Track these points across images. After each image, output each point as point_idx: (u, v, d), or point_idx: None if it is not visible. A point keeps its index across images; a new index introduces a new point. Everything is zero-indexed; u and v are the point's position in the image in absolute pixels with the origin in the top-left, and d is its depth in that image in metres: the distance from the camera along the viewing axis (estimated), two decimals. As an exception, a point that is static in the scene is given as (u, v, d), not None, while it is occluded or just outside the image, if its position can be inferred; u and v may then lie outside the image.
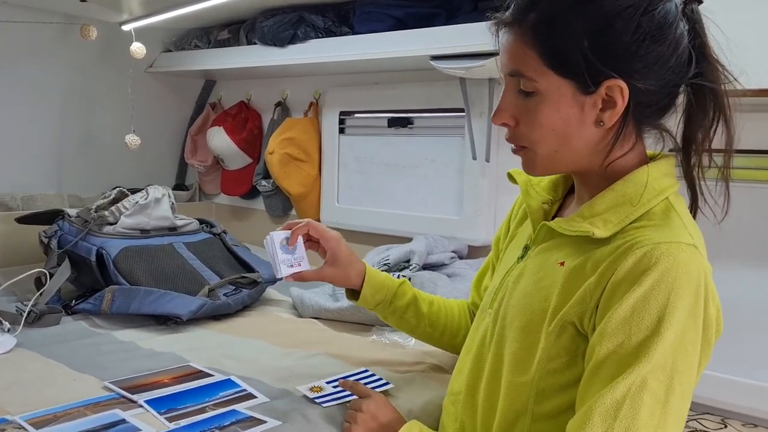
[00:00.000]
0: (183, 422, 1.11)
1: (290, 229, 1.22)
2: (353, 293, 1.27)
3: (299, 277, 1.21)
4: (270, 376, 1.32)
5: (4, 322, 1.61)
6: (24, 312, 1.63)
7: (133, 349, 1.49)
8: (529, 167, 0.99)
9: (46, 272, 1.74)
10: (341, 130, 2.27)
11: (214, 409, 1.16)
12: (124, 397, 1.21)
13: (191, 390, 1.24)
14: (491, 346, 1.01)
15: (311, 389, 1.22)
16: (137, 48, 2.06)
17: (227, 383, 1.27)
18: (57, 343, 1.52)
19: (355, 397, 1.17)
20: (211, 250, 1.90)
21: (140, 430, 1.07)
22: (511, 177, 1.12)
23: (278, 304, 1.86)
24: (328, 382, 1.24)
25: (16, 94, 2.36)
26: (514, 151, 0.99)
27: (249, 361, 1.41)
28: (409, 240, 1.95)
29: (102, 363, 1.39)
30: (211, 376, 1.31)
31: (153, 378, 1.30)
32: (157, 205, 1.89)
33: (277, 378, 1.31)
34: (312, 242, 1.25)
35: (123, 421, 1.10)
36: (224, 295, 1.74)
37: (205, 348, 1.50)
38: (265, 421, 1.09)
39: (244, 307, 1.80)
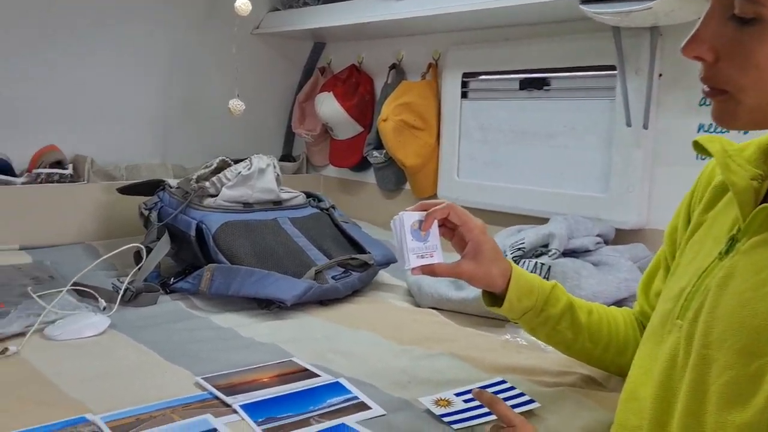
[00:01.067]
0: (283, 437, 0.92)
1: (425, 211, 0.99)
2: (492, 298, 1.03)
3: (429, 271, 0.98)
4: (385, 379, 1.11)
5: (100, 299, 1.49)
6: (120, 290, 1.50)
7: (232, 338, 1.32)
8: (725, 118, 0.72)
9: (143, 247, 1.61)
10: (464, 95, 2.01)
11: (320, 422, 0.96)
12: (217, 398, 1.03)
13: (294, 395, 1.05)
14: (686, 371, 0.74)
15: (436, 402, 1.00)
16: (242, 4, 1.89)
17: (335, 387, 1.07)
18: (151, 326, 1.37)
19: (492, 417, 0.94)
20: (318, 227, 1.71)
21: (231, 445, 0.88)
22: (698, 146, 0.84)
23: (391, 290, 1.65)
24: (457, 395, 1.02)
25: (120, 57, 2.26)
26: (707, 94, 0.72)
27: (360, 358, 1.21)
28: (541, 221, 1.68)
29: (196, 352, 1.23)
30: (317, 376, 1.12)
31: (251, 376, 1.12)
32: (260, 177, 1.72)
33: (393, 383, 1.10)
34: (447, 229, 1.01)
35: (214, 431, 0.92)
36: (332, 278, 1.55)
37: (310, 339, 1.31)
38: (377, 443, 0.88)
39: (353, 292, 1.60)
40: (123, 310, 1.46)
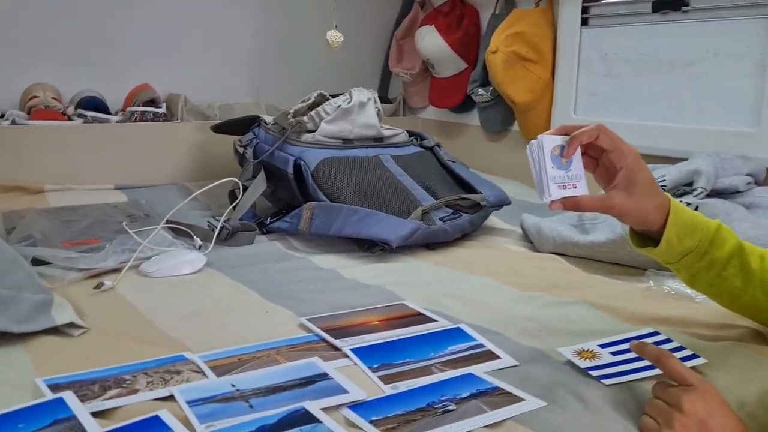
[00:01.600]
0: (402, 385, 0.80)
1: (566, 135, 0.83)
2: (643, 239, 0.87)
3: (573, 204, 0.81)
4: (512, 328, 0.97)
5: (195, 237, 1.42)
6: (216, 228, 1.42)
7: (335, 279, 1.21)
8: None
9: (240, 184, 1.52)
10: (584, 21, 1.81)
11: (443, 370, 0.84)
12: (325, 341, 0.93)
13: (410, 340, 0.93)
14: None
15: (579, 354, 0.85)
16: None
17: (456, 333, 0.95)
18: (249, 265, 1.28)
19: (651, 372, 0.79)
20: (423, 166, 1.58)
21: (346, 392, 0.77)
22: None
23: (504, 234, 1.50)
24: (602, 346, 0.87)
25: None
26: None
27: (479, 304, 1.08)
28: (678, 161, 1.48)
29: (298, 293, 1.13)
30: (433, 321, 0.99)
31: (360, 318, 1.00)
32: (361, 111, 1.59)
33: (521, 332, 0.96)
34: (589, 158, 0.85)
35: (324, 375, 0.81)
36: (440, 219, 1.41)
37: (420, 284, 1.18)
38: (522, 399, 0.75)
39: (462, 236, 1.46)
40: (219, 249, 1.38)
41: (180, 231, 1.44)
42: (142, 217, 1.59)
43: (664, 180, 1.25)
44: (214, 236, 1.40)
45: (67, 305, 0.99)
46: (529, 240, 1.42)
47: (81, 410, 0.72)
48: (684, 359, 0.82)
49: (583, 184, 0.83)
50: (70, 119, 1.90)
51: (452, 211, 1.45)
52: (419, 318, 1.01)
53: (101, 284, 1.15)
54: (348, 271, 1.25)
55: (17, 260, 0.99)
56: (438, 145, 1.68)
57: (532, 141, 0.84)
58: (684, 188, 1.24)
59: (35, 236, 1.33)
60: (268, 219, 1.52)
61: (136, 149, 1.94)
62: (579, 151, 0.83)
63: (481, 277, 1.21)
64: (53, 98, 1.90)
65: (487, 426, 0.69)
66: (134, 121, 1.95)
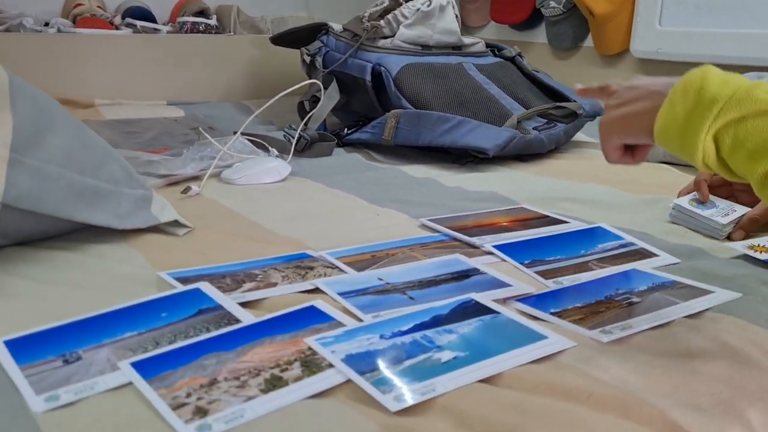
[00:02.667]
0: (565, 281, 0.72)
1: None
2: None
3: (748, 224, 0.85)
4: (655, 227, 0.89)
5: (271, 149, 1.33)
6: (293, 138, 1.33)
7: (436, 187, 1.13)
8: None
9: (309, 97, 1.42)
10: None
11: (602, 266, 0.76)
12: (458, 240, 0.85)
13: (553, 238, 0.84)
14: None
15: (752, 248, 0.77)
16: None
17: (599, 232, 0.86)
18: (336, 174, 1.20)
19: None
20: (508, 75, 1.47)
21: (510, 285, 0.69)
22: None
23: (598, 147, 1.40)
24: (774, 242, 0.79)
25: None
26: None
27: (604, 206, 0.99)
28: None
29: (404, 197, 1.04)
30: (566, 222, 0.91)
31: (485, 220, 0.92)
32: (441, 15, 1.48)
33: (667, 232, 0.88)
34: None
35: (476, 270, 0.73)
36: (534, 129, 1.32)
37: (531, 190, 1.10)
38: (710, 291, 0.67)
39: (555, 148, 1.37)
40: (299, 160, 1.29)
41: (254, 143, 1.35)
42: (207, 130, 1.49)
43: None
44: (292, 146, 1.31)
45: (167, 203, 0.91)
46: (629, 151, 1.32)
47: (225, 300, 0.64)
48: None
49: (736, 206, 0.88)
50: (117, 29, 1.79)
51: (546, 120, 1.35)
52: (549, 219, 0.92)
53: (188, 188, 1.07)
54: (447, 179, 1.17)
55: (111, 153, 0.90)
56: (520, 54, 1.57)
57: (671, 207, 0.92)
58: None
59: (106, 143, 1.24)
60: (345, 130, 1.42)
61: (188, 63, 1.83)
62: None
63: (594, 184, 1.12)
64: (98, 7, 1.79)
65: (689, 316, 0.62)
66: (185, 33, 1.84)
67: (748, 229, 0.84)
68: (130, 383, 0.51)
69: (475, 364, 0.53)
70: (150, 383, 0.50)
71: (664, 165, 1.23)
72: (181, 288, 0.67)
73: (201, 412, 0.47)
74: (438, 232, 0.88)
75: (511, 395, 0.49)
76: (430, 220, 0.91)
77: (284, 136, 1.37)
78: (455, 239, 0.85)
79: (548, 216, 0.94)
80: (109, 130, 1.41)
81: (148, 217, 0.86)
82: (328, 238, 0.86)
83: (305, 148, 1.34)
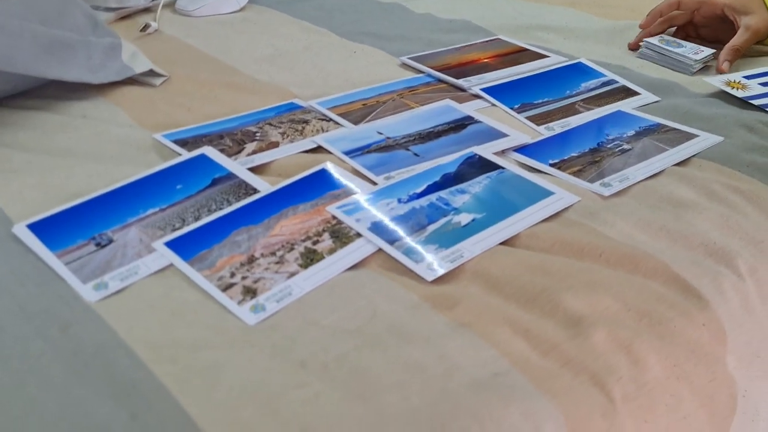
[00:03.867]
0: (555, 126, 0.75)
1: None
2: None
3: (734, 54, 0.88)
4: (629, 61, 0.91)
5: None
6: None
7: (405, 14, 1.10)
8: None
9: None
10: None
11: (588, 108, 0.79)
12: (443, 81, 0.85)
13: (536, 77, 0.86)
14: None
15: (728, 84, 0.81)
16: None
17: (580, 68, 0.88)
18: (294, 1, 1.14)
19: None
20: None
21: (506, 135, 0.71)
22: None
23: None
24: (747, 77, 0.83)
25: None
26: None
27: (578, 37, 1.00)
28: None
29: (375, 30, 1.02)
30: (546, 57, 0.92)
31: (465, 56, 0.92)
32: None
33: (643, 65, 0.90)
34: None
35: (470, 118, 0.75)
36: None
37: (501, 15, 1.08)
38: (695, 134, 0.71)
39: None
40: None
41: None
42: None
43: None
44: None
45: (137, 51, 0.86)
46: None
47: (235, 166, 0.65)
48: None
49: (703, 47, 0.91)
50: None
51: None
52: (528, 54, 0.93)
53: (147, 25, 1.01)
54: (414, 4, 1.13)
55: (71, -3, 0.83)
56: None
57: (641, 45, 0.93)
58: None
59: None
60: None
61: None
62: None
63: (565, 7, 1.11)
64: None
65: (676, 165, 0.66)
66: None
67: (732, 58, 0.87)
68: (171, 265, 0.53)
69: (493, 226, 0.57)
70: (191, 264, 0.52)
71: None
72: (185, 154, 0.66)
73: (250, 292, 0.50)
74: (422, 72, 0.87)
75: (532, 256, 0.54)
76: (410, 58, 0.90)
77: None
78: (441, 81, 0.85)
79: (527, 49, 0.94)
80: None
81: (122, 68, 0.82)
82: (312, 84, 0.84)
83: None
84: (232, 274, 0.52)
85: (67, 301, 0.49)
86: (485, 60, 0.91)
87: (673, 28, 0.97)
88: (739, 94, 0.78)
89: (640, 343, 0.47)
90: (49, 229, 0.56)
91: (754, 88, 0.80)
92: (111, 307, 0.49)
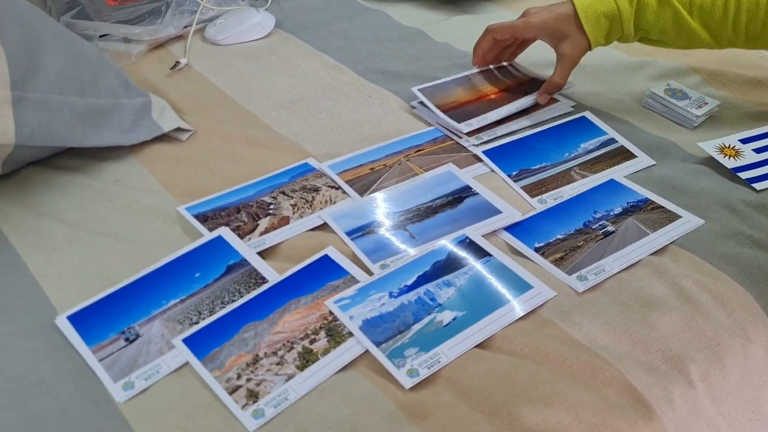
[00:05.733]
0: (548, 198, 0.80)
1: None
2: None
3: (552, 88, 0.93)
4: (633, 111, 0.94)
5: (250, -15, 1.28)
6: (272, -26, 1.27)
7: (425, 44, 1.13)
8: None
9: None
10: None
11: (583, 175, 0.83)
12: (449, 136, 0.90)
13: (541, 137, 0.89)
14: None
15: (721, 150, 0.84)
16: None
17: (583, 124, 0.91)
18: (322, 24, 1.18)
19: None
20: None
21: (500, 212, 0.77)
22: None
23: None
24: (743, 141, 0.85)
25: None
26: None
27: (587, 75, 1.02)
28: None
29: (391, 65, 1.06)
30: (557, 101, 0.95)
31: (474, 89, 0.96)
32: None
33: (646, 117, 0.93)
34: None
35: (468, 189, 0.80)
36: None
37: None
38: (678, 216, 0.75)
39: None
40: (279, 0, 1.26)
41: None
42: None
43: None
44: (273, -15, 1.27)
45: (166, 106, 0.93)
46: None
47: (247, 251, 0.72)
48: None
49: (708, 98, 0.93)
50: None
51: (535, -55, 1.29)
52: (532, 85, 0.96)
53: (176, 63, 1.07)
54: (434, 30, 1.16)
55: (103, 60, 0.90)
56: None
57: (647, 97, 0.94)
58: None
59: (80, 0, 1.19)
60: (325, -43, 1.35)
61: None
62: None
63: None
64: None
65: (654, 253, 0.71)
66: None
67: (553, 91, 0.92)
68: (187, 363, 0.61)
69: (471, 327, 0.63)
70: (204, 363, 0.61)
71: None
72: (204, 236, 0.74)
73: (253, 396, 0.58)
74: (429, 124, 0.92)
75: (501, 363, 0.60)
76: (420, 90, 0.94)
77: (263, -31, 1.31)
78: (446, 136, 0.90)
79: (535, 78, 0.97)
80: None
81: (152, 127, 0.90)
82: (326, 140, 0.91)
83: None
84: (239, 376, 0.60)
85: (100, 404, 0.58)
86: (492, 96, 0.95)
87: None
88: (729, 163, 0.81)
89: (587, 456, 0.55)
90: (85, 321, 0.65)
91: (747, 155, 0.83)
92: (136, 409, 0.58)
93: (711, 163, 0.83)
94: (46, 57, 0.82)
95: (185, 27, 1.16)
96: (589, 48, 0.89)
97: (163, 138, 0.90)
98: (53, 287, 0.69)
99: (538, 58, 1.02)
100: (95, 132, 0.84)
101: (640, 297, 0.67)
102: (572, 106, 0.94)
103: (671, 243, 0.72)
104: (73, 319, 0.65)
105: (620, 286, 0.68)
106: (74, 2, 1.17)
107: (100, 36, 1.11)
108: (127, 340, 0.63)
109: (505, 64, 1.01)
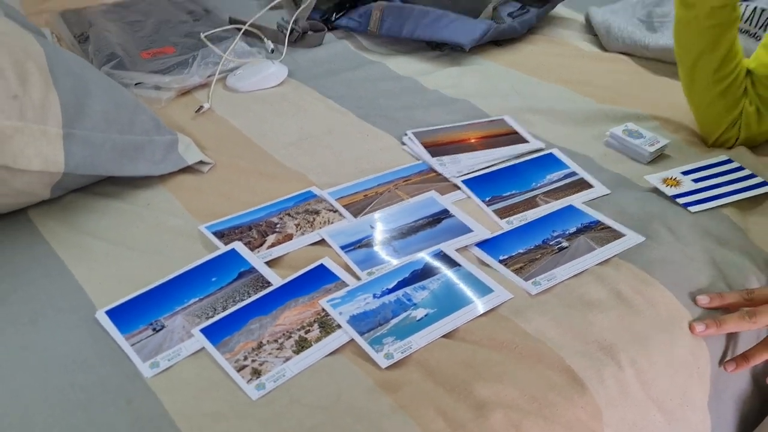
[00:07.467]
0: (515, 220, 0.93)
1: None
2: None
3: None
4: (596, 150, 1.07)
5: (267, 41, 1.45)
6: (286, 30, 1.44)
7: (417, 91, 1.28)
8: None
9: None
10: None
11: (546, 201, 0.96)
12: (433, 170, 1.04)
13: (512, 169, 1.03)
14: None
15: (664, 181, 0.97)
16: None
17: (550, 160, 1.05)
18: (329, 74, 1.34)
19: (730, 198, 0.91)
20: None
21: (471, 230, 0.90)
22: None
23: (568, 25, 1.52)
24: (684, 173, 0.98)
25: None
26: None
27: (560, 120, 1.16)
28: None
29: (389, 111, 1.21)
30: (526, 142, 1.09)
31: (457, 134, 1.10)
32: None
33: (606, 155, 1.06)
34: None
35: (446, 213, 0.94)
36: (509, 15, 1.43)
37: (499, 93, 1.25)
38: (623, 234, 0.88)
39: (528, 30, 1.48)
40: (293, 53, 1.41)
41: (248, 32, 1.46)
42: (203, 14, 1.58)
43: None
44: (286, 40, 1.43)
45: (191, 143, 1.08)
46: (594, 33, 1.44)
47: (256, 261, 0.86)
48: (753, 187, 0.95)
49: (660, 137, 1.06)
50: None
51: (520, 5, 1.45)
52: (513, 137, 1.10)
53: (200, 108, 1.23)
54: (427, 80, 1.31)
55: (139, 105, 1.05)
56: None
57: (608, 137, 1.08)
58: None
59: (118, 53, 1.36)
60: (334, 15, 1.52)
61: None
62: None
63: (556, 85, 1.27)
64: None
65: (598, 264, 0.84)
66: None
67: None
68: (203, 348, 0.74)
69: (439, 321, 0.76)
70: (218, 348, 0.74)
71: (624, 57, 1.36)
72: (221, 248, 0.88)
73: (256, 372, 0.71)
74: (417, 158, 1.06)
75: (463, 350, 0.73)
76: (413, 133, 1.09)
77: (278, 26, 1.48)
78: (432, 170, 1.04)
79: (516, 132, 1.11)
80: (114, 25, 1.50)
81: (178, 160, 1.04)
82: (328, 172, 1.05)
83: (297, 39, 1.45)
84: (245, 357, 0.73)
85: (132, 379, 0.71)
86: (473, 140, 1.09)
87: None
88: (670, 192, 0.94)
89: (528, 421, 0.66)
90: (119, 315, 0.78)
91: (686, 184, 0.96)
92: (161, 383, 0.71)
93: (657, 191, 0.96)
94: (91, 101, 0.98)
95: (209, 76, 1.32)
96: None
97: (188, 170, 1.05)
98: (95, 291, 0.83)
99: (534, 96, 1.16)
100: (131, 164, 0.99)
101: (584, 299, 0.79)
102: (542, 146, 1.08)
103: (615, 256, 0.85)
104: (110, 313, 0.79)
105: (568, 291, 0.80)
106: (113, 55, 1.35)
107: (135, 84, 1.27)
108: (154, 329, 0.77)
109: (496, 118, 1.15)
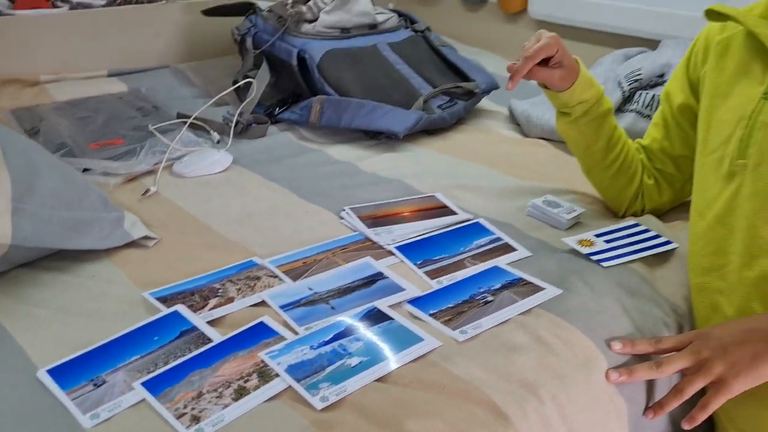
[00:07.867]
0: (444, 279, 0.99)
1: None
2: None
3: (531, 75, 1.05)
4: (519, 219, 1.16)
5: (212, 132, 1.53)
6: (231, 122, 1.53)
7: (355, 173, 1.37)
8: None
9: (240, 75, 1.60)
10: None
11: (474, 263, 1.04)
12: (369, 239, 1.10)
13: (442, 236, 1.11)
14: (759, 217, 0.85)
15: (579, 243, 1.05)
16: None
17: (477, 228, 1.13)
18: (272, 161, 1.42)
19: (638, 255, 1.00)
20: (416, 53, 1.68)
21: (403, 289, 0.96)
22: (712, 14, 0.92)
23: (493, 116, 1.65)
24: (597, 235, 1.07)
25: None
26: None
27: (486, 195, 1.25)
28: (646, 44, 1.63)
29: (328, 190, 1.28)
30: (454, 213, 1.17)
31: (392, 209, 1.18)
32: (357, -1, 1.66)
33: (528, 224, 1.15)
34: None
35: (381, 275, 1.00)
36: (438, 107, 1.55)
37: (431, 174, 1.35)
38: (543, 288, 0.95)
39: (457, 120, 1.61)
40: (237, 144, 1.50)
41: (195, 125, 1.54)
42: (152, 110, 1.67)
43: (640, 74, 1.40)
44: (231, 131, 1.52)
45: (137, 220, 1.13)
46: (517, 122, 1.58)
47: (198, 321, 0.89)
48: (660, 245, 1.04)
49: (576, 206, 1.16)
50: (54, 6, 1.90)
51: (448, 98, 1.58)
52: (443, 210, 1.18)
53: (147, 190, 1.29)
54: (364, 164, 1.40)
55: (88, 185, 1.11)
56: (428, 29, 1.77)
57: (529, 207, 1.17)
58: (656, 80, 1.40)
59: (68, 143, 1.42)
60: (276, 109, 1.63)
61: (124, 34, 1.95)
62: None
63: (483, 166, 1.38)
64: (34, -15, 1.88)
65: (520, 314, 0.90)
66: (119, 5, 1.95)
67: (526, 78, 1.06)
68: (144, 400, 0.77)
69: (373, 367, 0.80)
70: (158, 399, 0.76)
71: (543, 141, 1.49)
72: (163, 311, 0.91)
73: (195, 419, 0.74)
74: (354, 230, 1.13)
75: (394, 392, 0.77)
76: (351, 209, 1.16)
77: (223, 119, 1.57)
78: (368, 239, 1.11)
79: (446, 206, 1.20)
80: (65, 120, 1.57)
81: (124, 235, 1.09)
82: (269, 244, 1.10)
83: (242, 131, 1.54)
84: (185, 406, 0.75)
85: (70, 429, 0.73)
86: (406, 213, 1.17)
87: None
88: (585, 250, 1.03)
89: (456, 454, 0.70)
90: (61, 373, 0.80)
91: (599, 244, 1.04)
92: (100, 432, 0.72)
93: (573, 252, 1.04)
94: (40, 181, 1.03)
95: (156, 164, 1.38)
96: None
97: (133, 244, 1.09)
98: (37, 354, 0.85)
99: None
100: (78, 238, 1.03)
101: (507, 344, 0.85)
102: (470, 217, 1.17)
103: (536, 306, 0.91)
104: (51, 372, 0.81)
105: (492, 337, 0.86)
106: (63, 144, 1.41)
107: (84, 170, 1.33)
108: (95, 385, 0.79)
109: (429, 194, 1.24)
